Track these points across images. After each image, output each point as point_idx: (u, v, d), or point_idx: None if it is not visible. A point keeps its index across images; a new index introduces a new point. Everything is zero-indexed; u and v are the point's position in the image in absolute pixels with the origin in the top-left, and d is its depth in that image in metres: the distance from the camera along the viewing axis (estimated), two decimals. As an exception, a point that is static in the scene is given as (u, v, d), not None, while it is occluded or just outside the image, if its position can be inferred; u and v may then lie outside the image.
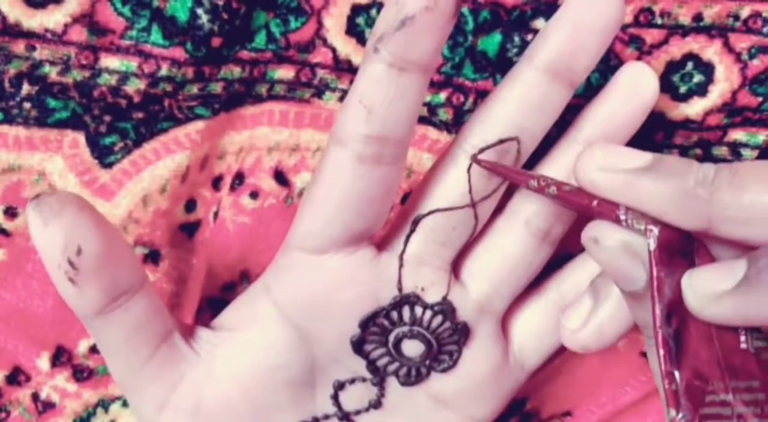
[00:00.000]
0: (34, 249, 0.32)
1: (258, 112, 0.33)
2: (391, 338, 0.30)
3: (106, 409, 0.34)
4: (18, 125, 0.31)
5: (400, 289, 0.29)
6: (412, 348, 0.30)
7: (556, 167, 0.30)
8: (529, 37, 0.32)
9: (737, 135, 0.33)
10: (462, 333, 0.30)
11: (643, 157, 0.25)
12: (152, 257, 0.33)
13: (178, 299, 0.34)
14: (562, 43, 0.27)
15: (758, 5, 0.31)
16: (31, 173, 0.32)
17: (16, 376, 0.34)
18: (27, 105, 0.31)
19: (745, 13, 0.31)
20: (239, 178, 0.33)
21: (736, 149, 0.33)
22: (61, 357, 0.33)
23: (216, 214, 0.33)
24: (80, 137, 0.32)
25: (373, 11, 0.32)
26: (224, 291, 0.34)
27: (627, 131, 0.30)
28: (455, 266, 0.31)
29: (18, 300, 0.33)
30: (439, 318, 0.30)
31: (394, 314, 0.30)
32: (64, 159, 0.32)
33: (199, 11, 0.30)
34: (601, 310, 0.28)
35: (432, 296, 0.30)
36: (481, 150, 0.28)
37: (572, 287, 0.32)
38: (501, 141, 0.28)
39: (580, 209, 0.26)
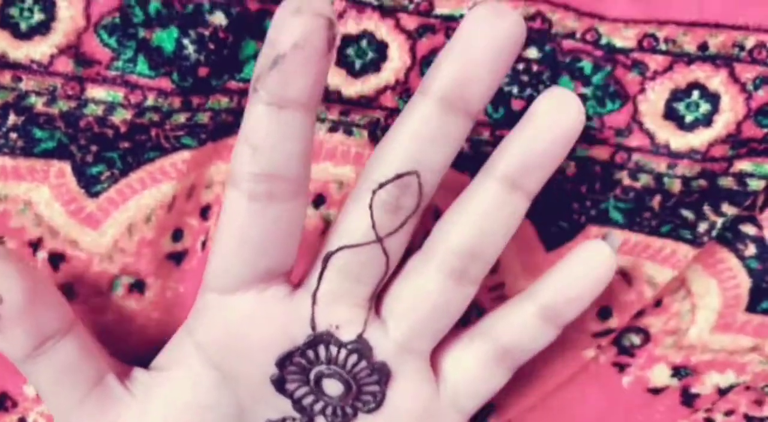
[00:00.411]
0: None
1: (245, 142, 0.33)
2: (312, 376, 0.30)
3: None
4: (4, 155, 0.32)
5: (313, 327, 0.29)
6: (333, 388, 0.30)
7: (473, 204, 0.29)
8: (520, 66, 0.32)
9: (743, 165, 0.32)
10: (381, 373, 0.30)
11: None
12: (138, 286, 0.33)
13: (164, 328, 0.34)
14: (453, 72, 0.27)
15: (763, 36, 0.31)
16: (17, 203, 0.32)
17: (3, 402, 0.34)
18: (13, 135, 0.31)
19: (750, 43, 0.31)
20: None
21: (742, 179, 0.32)
22: None
23: (204, 243, 0.34)
24: (66, 167, 0.32)
25: (363, 42, 0.32)
26: None
27: (548, 164, 0.29)
28: (377, 303, 0.31)
29: (5, 327, 0.33)
30: (354, 357, 0.30)
31: (311, 353, 0.30)
32: (50, 189, 0.32)
33: (186, 41, 0.31)
34: None
35: (347, 335, 0.29)
36: (381, 185, 0.28)
37: (512, 331, 0.31)
38: (398, 176, 0.28)
39: None
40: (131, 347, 0.34)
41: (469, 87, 0.27)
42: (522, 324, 0.30)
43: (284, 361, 0.29)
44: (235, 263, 0.28)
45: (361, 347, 0.29)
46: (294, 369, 0.30)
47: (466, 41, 0.26)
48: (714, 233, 0.33)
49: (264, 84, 0.25)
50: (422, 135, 0.28)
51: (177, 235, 0.33)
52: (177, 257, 0.34)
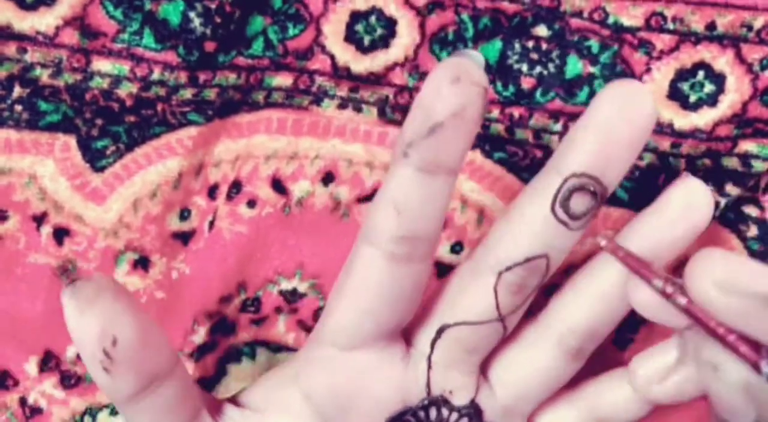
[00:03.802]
0: (25, 252, 0.33)
1: (255, 119, 0.34)
2: None
3: (93, 417, 0.36)
4: (9, 127, 0.33)
5: (428, 393, 0.31)
6: None
7: (599, 285, 0.30)
8: (530, 43, 0.33)
9: (748, 146, 0.34)
10: None
11: None
12: (142, 263, 0.34)
13: (169, 309, 0.35)
14: (592, 155, 0.27)
15: (771, 16, 0.32)
16: (21, 176, 0.33)
17: (4, 380, 0.35)
18: (18, 108, 0.33)
19: (758, 23, 0.33)
20: (236, 186, 0.34)
21: (747, 160, 0.34)
22: (49, 362, 0.35)
23: (212, 223, 0.35)
24: (71, 141, 0.33)
25: (372, 18, 0.33)
26: (221, 304, 0.35)
27: (674, 254, 0.30)
28: (484, 364, 0.32)
29: (7, 304, 0.34)
30: (465, 420, 0.31)
31: (422, 414, 0.31)
32: (55, 163, 0.33)
33: (192, 15, 0.32)
34: (684, 373, 0.28)
35: (460, 399, 0.31)
36: (508, 268, 0.29)
37: (609, 405, 0.32)
38: (528, 260, 0.29)
39: (711, 336, 0.24)
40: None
41: (606, 173, 0.28)
42: (623, 401, 0.32)
43: (395, 420, 0.31)
44: (367, 321, 0.29)
45: (473, 412, 0.31)
46: None
47: (605, 123, 0.27)
48: (717, 213, 0.35)
49: (418, 150, 0.26)
50: (554, 220, 0.28)
51: (184, 214, 0.35)
52: (184, 237, 0.35)
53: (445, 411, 0.31)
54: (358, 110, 0.34)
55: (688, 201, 0.29)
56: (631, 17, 0.33)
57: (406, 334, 0.32)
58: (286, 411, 0.31)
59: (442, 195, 0.27)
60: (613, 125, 0.27)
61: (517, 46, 0.33)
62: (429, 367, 0.31)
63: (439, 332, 0.30)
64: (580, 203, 0.28)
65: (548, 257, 0.29)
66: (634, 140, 0.27)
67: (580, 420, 0.33)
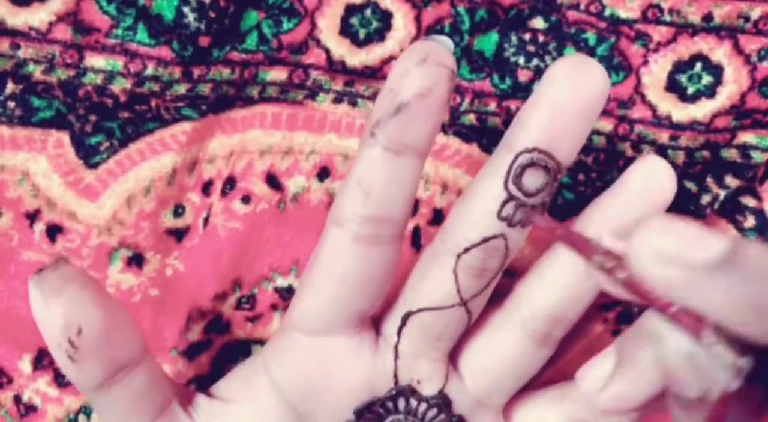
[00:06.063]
0: (18, 250, 0.34)
1: (249, 114, 0.35)
2: None
3: (88, 416, 0.36)
4: (1, 124, 0.33)
5: (396, 382, 0.31)
6: None
7: (562, 268, 0.31)
8: (527, 36, 0.34)
9: (747, 137, 0.35)
10: None
11: (716, 246, 0.21)
12: (136, 260, 0.35)
13: (163, 307, 0.35)
14: (541, 130, 0.28)
15: (769, 6, 0.33)
16: (14, 173, 0.34)
17: (-2, 378, 0.36)
18: (11, 104, 0.33)
19: (755, 14, 0.33)
20: (230, 182, 0.35)
21: (746, 151, 0.35)
22: (42, 360, 0.35)
23: (206, 220, 0.35)
24: (65, 137, 0.34)
25: (368, 11, 0.34)
26: (215, 301, 0.36)
27: None
28: (453, 355, 0.32)
29: (0, 302, 0.35)
30: (434, 411, 0.32)
31: (390, 404, 0.32)
32: (48, 159, 0.34)
33: (186, 10, 0.32)
34: (625, 376, 0.27)
35: (428, 389, 0.32)
36: (466, 250, 0.29)
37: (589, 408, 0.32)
38: (485, 240, 0.29)
39: (653, 308, 0.24)
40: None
41: (557, 145, 0.28)
42: None
43: (363, 411, 0.31)
44: (331, 303, 0.30)
45: (442, 402, 0.32)
46: (370, 416, 0.32)
47: (554, 94, 0.28)
48: (716, 205, 0.35)
49: (384, 130, 0.27)
50: None
51: (178, 210, 0.35)
52: (178, 234, 0.35)
53: (413, 402, 0.32)
54: (354, 104, 0.35)
55: (650, 180, 0.30)
56: (628, 9, 0.34)
57: (376, 323, 0.32)
58: (254, 400, 0.32)
59: (410, 177, 0.28)
60: (563, 99, 0.28)
61: (513, 38, 0.34)
62: (396, 356, 0.31)
63: (404, 319, 0.31)
64: (533, 179, 0.29)
65: (506, 237, 0.29)
66: (585, 113, 0.28)
67: (567, 415, 0.33)
